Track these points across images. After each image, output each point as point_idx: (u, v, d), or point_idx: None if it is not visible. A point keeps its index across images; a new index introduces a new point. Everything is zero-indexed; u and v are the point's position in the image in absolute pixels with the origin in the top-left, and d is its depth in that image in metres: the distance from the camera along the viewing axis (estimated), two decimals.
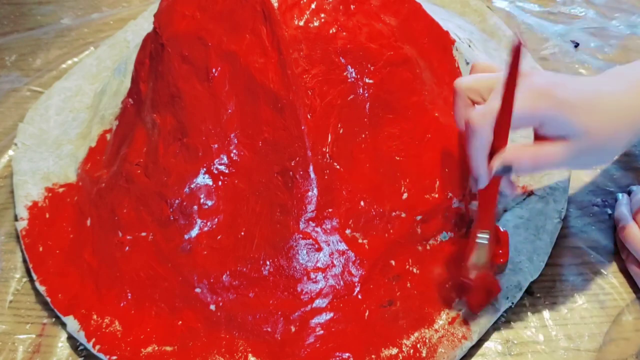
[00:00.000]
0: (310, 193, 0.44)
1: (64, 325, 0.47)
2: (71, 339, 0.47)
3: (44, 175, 0.56)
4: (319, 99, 0.45)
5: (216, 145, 0.46)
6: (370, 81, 0.46)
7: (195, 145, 0.46)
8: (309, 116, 0.44)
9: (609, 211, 0.53)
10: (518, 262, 0.48)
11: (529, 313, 0.47)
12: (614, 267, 0.49)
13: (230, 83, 0.45)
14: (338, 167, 0.45)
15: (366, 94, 0.46)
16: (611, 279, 0.49)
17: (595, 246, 0.51)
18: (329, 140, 0.45)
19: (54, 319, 0.48)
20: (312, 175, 0.44)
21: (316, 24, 0.45)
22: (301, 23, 0.45)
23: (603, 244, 0.51)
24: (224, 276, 0.46)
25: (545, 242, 0.49)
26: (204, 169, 0.46)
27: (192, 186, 0.46)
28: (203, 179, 0.46)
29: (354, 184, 0.46)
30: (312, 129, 0.44)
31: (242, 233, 0.46)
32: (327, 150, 0.45)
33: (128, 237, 0.48)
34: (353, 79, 0.46)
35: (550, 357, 0.44)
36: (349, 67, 0.46)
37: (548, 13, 0.74)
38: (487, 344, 0.46)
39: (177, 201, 0.46)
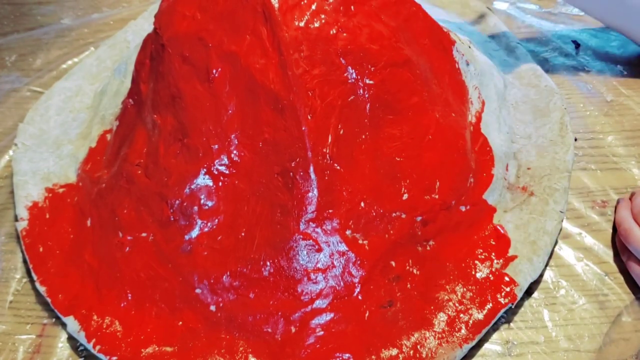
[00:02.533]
0: (310, 194, 0.44)
1: (64, 325, 0.47)
2: (71, 339, 0.47)
3: (44, 176, 0.56)
4: (320, 99, 0.45)
5: (216, 146, 0.46)
6: (371, 82, 0.46)
7: (195, 146, 0.46)
8: (309, 117, 0.44)
9: (609, 212, 0.53)
10: (518, 263, 0.48)
11: (528, 314, 0.47)
12: (614, 268, 0.49)
13: (230, 84, 0.45)
14: (338, 167, 0.45)
15: (366, 95, 0.46)
16: (611, 280, 0.49)
17: (595, 247, 0.51)
18: (330, 141, 0.45)
19: (54, 320, 0.48)
20: (313, 176, 0.44)
21: (317, 24, 0.45)
22: (302, 24, 0.45)
23: (603, 245, 0.51)
24: (224, 277, 0.46)
25: (545, 242, 0.49)
26: (205, 170, 0.46)
27: (193, 187, 0.46)
28: (203, 180, 0.46)
29: (354, 185, 0.46)
30: (313, 129, 0.44)
31: (243, 234, 0.46)
32: (328, 151, 0.45)
33: (128, 238, 0.48)
34: (353, 80, 0.46)
35: (550, 358, 0.44)
36: (350, 68, 0.46)
37: (549, 14, 0.74)
38: (487, 345, 0.46)
39: (177, 202, 0.46)
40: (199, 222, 0.46)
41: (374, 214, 0.46)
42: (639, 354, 0.44)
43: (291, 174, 0.44)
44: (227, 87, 0.45)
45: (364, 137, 0.46)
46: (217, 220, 0.46)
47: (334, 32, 0.45)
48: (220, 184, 0.46)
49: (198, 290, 0.46)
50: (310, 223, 0.45)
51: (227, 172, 0.46)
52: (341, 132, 0.45)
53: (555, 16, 0.73)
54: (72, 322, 0.46)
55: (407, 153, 0.48)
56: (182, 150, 0.46)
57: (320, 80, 0.45)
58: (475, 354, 0.45)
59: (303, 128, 0.44)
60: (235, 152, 0.46)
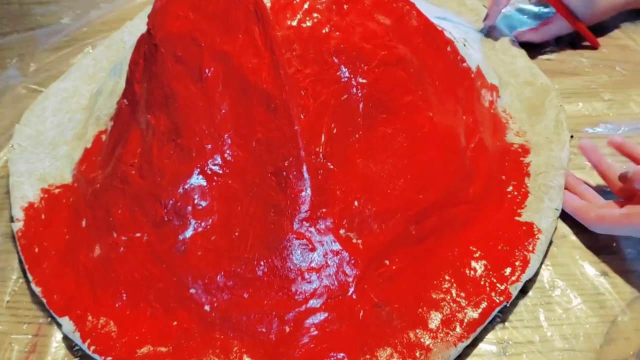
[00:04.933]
0: (303, 193, 0.44)
1: (59, 325, 0.47)
2: (67, 339, 0.47)
3: (40, 177, 0.56)
4: (312, 99, 0.44)
5: (210, 146, 0.46)
6: (364, 81, 0.46)
7: (188, 146, 0.46)
8: (302, 116, 0.44)
9: None
10: None
11: (524, 313, 0.47)
12: (610, 267, 0.49)
13: (223, 83, 0.45)
14: (332, 167, 0.45)
15: (360, 94, 0.46)
16: (607, 279, 0.48)
17: (592, 246, 0.50)
18: (323, 140, 0.45)
19: (49, 319, 0.48)
20: (306, 175, 0.44)
21: (309, 23, 0.45)
22: (294, 23, 0.45)
23: (600, 244, 0.50)
24: (218, 277, 0.46)
25: (540, 240, 0.48)
26: (198, 170, 0.46)
27: (186, 187, 0.46)
28: (197, 180, 0.46)
29: (347, 184, 0.46)
30: (306, 129, 0.44)
31: (237, 233, 0.46)
32: (321, 150, 0.45)
33: (123, 238, 0.48)
34: (346, 79, 0.46)
35: (546, 358, 0.44)
36: (343, 67, 0.46)
37: (548, 13, 0.73)
38: (482, 345, 0.45)
39: (171, 202, 0.46)
40: (193, 222, 0.46)
41: (368, 213, 0.46)
42: (639, 354, 0.44)
43: (284, 173, 0.44)
44: (220, 87, 0.45)
45: (357, 136, 0.46)
46: (210, 220, 0.46)
47: (327, 31, 0.45)
48: (213, 184, 0.46)
49: (192, 290, 0.46)
50: (304, 222, 0.45)
51: (220, 172, 0.46)
52: (334, 131, 0.45)
53: None
54: (67, 323, 0.46)
55: (401, 152, 0.47)
56: (175, 150, 0.46)
57: (313, 80, 0.45)
58: (471, 353, 0.45)
59: (295, 127, 0.44)
60: (228, 151, 0.46)
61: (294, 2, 0.45)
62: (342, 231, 0.46)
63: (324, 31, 0.45)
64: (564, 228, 0.52)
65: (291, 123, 0.44)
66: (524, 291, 0.48)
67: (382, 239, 0.46)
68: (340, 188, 0.45)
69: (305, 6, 0.46)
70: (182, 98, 0.46)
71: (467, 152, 0.51)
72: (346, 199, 0.46)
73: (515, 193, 0.52)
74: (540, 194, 0.51)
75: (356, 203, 0.46)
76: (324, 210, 0.45)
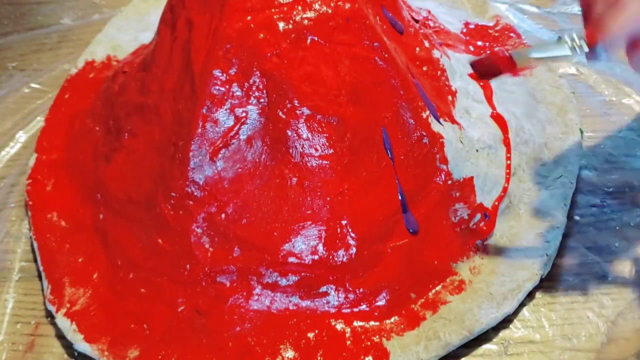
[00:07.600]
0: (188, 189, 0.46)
1: (56, 325, 0.47)
2: (64, 338, 0.46)
3: (115, 45, 0.66)
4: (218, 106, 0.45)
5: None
6: (283, 116, 0.44)
7: (149, 80, 0.50)
8: (204, 110, 0.44)
9: (608, 212, 0.52)
10: None
11: (525, 313, 0.47)
12: (612, 267, 0.49)
13: (182, 48, 0.46)
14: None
15: (270, 127, 0.44)
16: (609, 280, 0.48)
17: (594, 246, 0.50)
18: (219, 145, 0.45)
19: (48, 318, 0.48)
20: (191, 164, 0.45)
21: (257, 36, 0.43)
22: (242, 27, 0.44)
23: (602, 244, 0.50)
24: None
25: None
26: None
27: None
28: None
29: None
30: (205, 124, 0.45)
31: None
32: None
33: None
34: (264, 104, 0.44)
35: (547, 357, 0.44)
36: (266, 92, 0.44)
37: (548, 13, 0.73)
38: (484, 344, 0.45)
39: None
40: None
41: None
42: (639, 354, 0.44)
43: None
44: (180, 50, 0.46)
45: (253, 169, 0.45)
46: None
47: (270, 54, 0.43)
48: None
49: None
50: None
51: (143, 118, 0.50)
52: (231, 147, 0.45)
53: (554, 15, 0.73)
54: (65, 322, 0.46)
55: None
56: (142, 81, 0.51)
57: (236, 84, 0.44)
58: (471, 352, 0.45)
59: (199, 121, 0.44)
60: (159, 107, 0.48)
61: (263, 10, 0.43)
62: None
63: (268, 53, 0.43)
64: (566, 228, 0.51)
65: (197, 112, 0.44)
66: None
67: None
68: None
69: (265, 19, 0.43)
70: (161, 37, 0.50)
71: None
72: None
73: None
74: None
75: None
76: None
